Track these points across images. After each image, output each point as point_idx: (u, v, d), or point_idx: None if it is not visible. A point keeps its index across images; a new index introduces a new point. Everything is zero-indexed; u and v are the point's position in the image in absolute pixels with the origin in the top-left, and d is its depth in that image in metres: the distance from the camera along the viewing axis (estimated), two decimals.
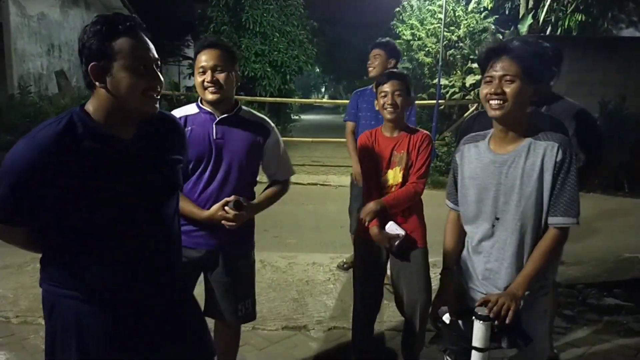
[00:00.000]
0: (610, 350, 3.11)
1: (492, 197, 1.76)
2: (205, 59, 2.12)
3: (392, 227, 2.53)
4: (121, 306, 1.49)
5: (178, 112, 2.19)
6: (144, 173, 1.48)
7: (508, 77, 1.67)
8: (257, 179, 2.32)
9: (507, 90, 1.67)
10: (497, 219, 1.76)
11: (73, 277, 1.46)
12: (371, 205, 2.52)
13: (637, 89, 9.23)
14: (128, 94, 1.40)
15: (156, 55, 1.45)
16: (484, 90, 1.73)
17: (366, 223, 2.53)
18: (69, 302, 1.46)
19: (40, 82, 11.89)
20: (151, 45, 1.44)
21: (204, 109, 2.20)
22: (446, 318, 1.77)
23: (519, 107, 1.70)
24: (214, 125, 2.16)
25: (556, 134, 1.74)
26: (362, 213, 2.55)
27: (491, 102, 1.70)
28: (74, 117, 1.39)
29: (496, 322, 1.59)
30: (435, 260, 4.23)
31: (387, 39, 4.05)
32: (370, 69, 3.81)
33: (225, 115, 2.19)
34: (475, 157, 1.84)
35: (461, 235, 1.96)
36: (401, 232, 2.51)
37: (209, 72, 2.12)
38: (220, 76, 2.12)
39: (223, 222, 2.08)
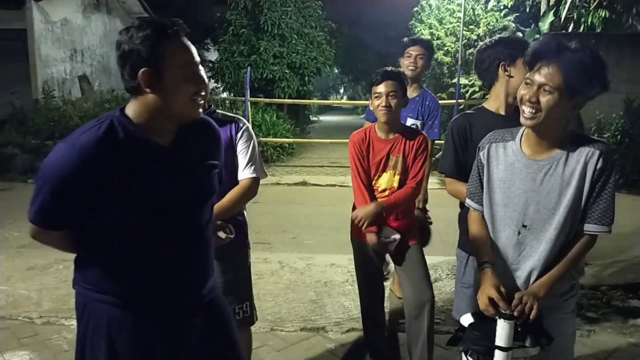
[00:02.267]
0: (636, 354, 3.03)
1: (522, 204, 1.70)
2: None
3: (387, 233, 2.51)
4: (153, 310, 1.50)
5: None
6: (182, 179, 1.48)
7: (547, 87, 1.56)
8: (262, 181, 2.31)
9: (543, 100, 1.56)
10: (525, 226, 1.70)
11: (107, 281, 1.47)
12: (371, 208, 2.44)
13: None
14: (177, 98, 1.39)
15: (199, 59, 1.45)
16: (522, 91, 1.64)
17: (363, 227, 2.46)
18: (101, 305, 1.47)
19: (64, 86, 12.13)
20: (194, 49, 1.43)
21: None
22: (465, 320, 1.74)
23: (554, 120, 1.60)
24: None
25: (597, 141, 1.66)
26: (358, 214, 2.47)
27: (524, 107, 1.61)
28: (114, 122, 1.38)
29: (519, 321, 1.58)
30: (442, 260, 4.23)
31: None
32: (411, 67, 3.48)
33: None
34: (504, 159, 1.75)
35: (488, 232, 1.87)
36: (396, 235, 2.50)
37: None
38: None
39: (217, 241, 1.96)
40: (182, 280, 1.53)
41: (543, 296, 1.64)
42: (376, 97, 2.47)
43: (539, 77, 1.58)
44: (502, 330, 1.57)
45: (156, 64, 1.34)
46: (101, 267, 1.47)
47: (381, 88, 2.46)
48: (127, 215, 1.39)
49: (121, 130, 1.37)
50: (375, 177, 2.55)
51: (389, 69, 2.56)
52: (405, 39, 3.68)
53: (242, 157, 2.22)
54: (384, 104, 2.44)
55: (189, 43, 1.42)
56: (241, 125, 2.25)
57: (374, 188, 2.56)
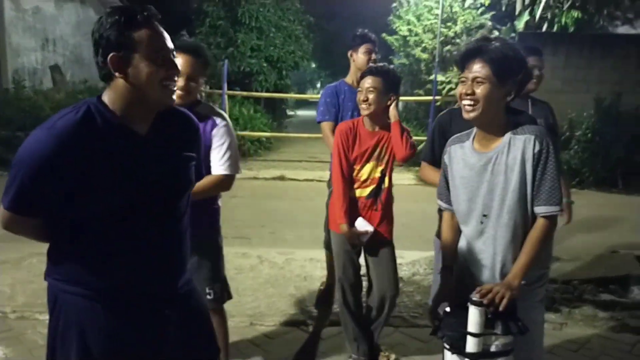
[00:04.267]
0: (606, 346, 3.13)
1: (482, 196, 1.83)
2: (181, 63, 2.07)
3: (361, 224, 2.58)
4: (127, 303, 1.48)
5: None
6: (157, 168, 1.47)
7: (479, 79, 1.74)
8: (239, 174, 2.35)
9: (478, 91, 1.74)
10: (485, 215, 1.83)
11: (80, 272, 1.45)
12: (345, 231, 2.58)
13: (632, 86, 9.29)
14: (147, 83, 1.39)
15: (172, 46, 1.45)
16: (459, 89, 1.83)
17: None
18: (72, 298, 1.45)
19: (35, 76, 11.83)
20: (167, 36, 1.44)
21: None
22: (444, 308, 1.82)
23: (492, 109, 1.77)
24: None
25: (532, 126, 1.81)
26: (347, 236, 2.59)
27: (464, 102, 1.78)
28: (91, 108, 1.38)
29: (490, 309, 1.63)
30: (420, 255, 4.30)
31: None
32: (371, 64, 3.18)
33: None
34: (462, 158, 1.90)
35: (457, 232, 2.01)
36: (370, 228, 2.57)
37: (182, 78, 2.10)
38: (192, 84, 2.19)
39: None
40: (157, 272, 1.52)
41: (517, 286, 1.71)
42: (359, 90, 2.57)
43: (470, 73, 1.77)
44: (473, 317, 1.62)
45: (125, 49, 1.36)
46: (74, 258, 1.45)
47: (364, 82, 2.54)
48: (100, 202, 1.37)
49: (98, 116, 1.37)
50: (358, 167, 2.60)
51: (380, 64, 2.65)
52: (360, 31, 3.41)
53: (216, 153, 2.25)
54: (362, 97, 2.53)
55: (160, 29, 1.42)
56: (217, 122, 2.26)
57: (356, 178, 2.61)
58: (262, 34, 14.14)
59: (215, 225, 2.44)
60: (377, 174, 2.60)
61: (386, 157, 2.61)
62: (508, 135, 1.79)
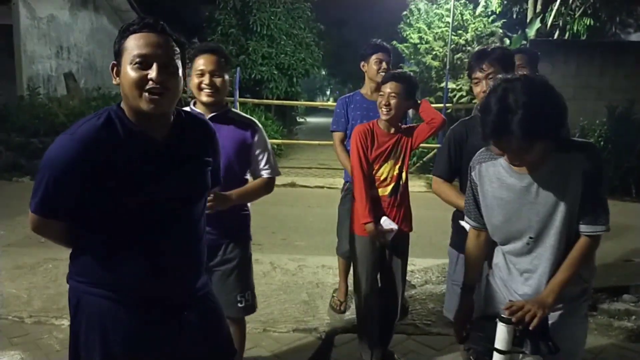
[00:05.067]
0: (621, 355, 3.11)
1: (525, 217, 1.71)
2: (204, 62, 2.24)
3: (386, 222, 2.63)
4: (147, 304, 1.52)
5: None
6: (174, 173, 1.51)
7: None
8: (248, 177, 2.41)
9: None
10: (532, 238, 1.72)
11: (101, 274, 1.49)
12: (371, 229, 2.61)
13: None
14: (127, 90, 1.42)
15: (162, 54, 1.41)
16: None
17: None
18: (95, 299, 1.49)
19: (49, 83, 11.97)
20: (160, 44, 1.42)
21: (195, 110, 2.30)
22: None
23: None
24: None
25: (585, 143, 1.69)
26: (370, 233, 2.62)
27: None
28: (111, 114, 1.45)
29: (519, 327, 1.58)
30: (432, 263, 4.28)
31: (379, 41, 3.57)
32: (381, 72, 3.31)
33: (214, 114, 2.29)
34: (496, 177, 1.76)
35: (484, 251, 1.94)
36: (394, 226, 2.62)
37: (207, 75, 2.24)
38: (218, 80, 2.26)
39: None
40: (176, 274, 1.56)
41: (551, 303, 1.64)
42: (381, 94, 2.62)
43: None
44: (501, 334, 1.58)
45: (118, 57, 1.44)
46: (96, 261, 1.49)
47: (386, 87, 2.60)
48: (121, 207, 1.42)
49: (118, 122, 1.44)
50: (377, 167, 2.66)
51: (400, 70, 2.75)
52: (371, 41, 3.52)
53: (261, 158, 2.37)
54: (384, 102, 2.59)
55: (152, 37, 1.41)
56: (256, 128, 2.37)
57: (376, 178, 2.67)
58: (273, 42, 14.22)
59: (246, 231, 2.47)
60: (396, 172, 2.66)
61: (402, 155, 2.67)
62: (555, 153, 1.63)
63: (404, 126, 2.75)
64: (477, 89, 2.35)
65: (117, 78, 1.45)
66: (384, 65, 3.37)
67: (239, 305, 2.37)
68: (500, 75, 1.63)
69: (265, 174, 2.39)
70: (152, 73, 1.39)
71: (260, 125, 2.41)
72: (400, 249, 2.76)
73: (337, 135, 3.48)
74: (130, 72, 1.39)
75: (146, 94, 1.40)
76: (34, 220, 1.48)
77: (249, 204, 2.47)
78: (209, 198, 2.05)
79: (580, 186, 1.63)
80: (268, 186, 2.40)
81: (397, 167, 2.66)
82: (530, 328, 1.57)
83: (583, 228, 1.68)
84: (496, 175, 1.76)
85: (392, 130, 2.67)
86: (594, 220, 1.66)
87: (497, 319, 1.58)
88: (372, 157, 2.65)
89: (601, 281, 4.16)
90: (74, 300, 1.53)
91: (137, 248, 1.49)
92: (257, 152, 2.36)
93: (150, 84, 1.39)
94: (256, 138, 2.35)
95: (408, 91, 2.61)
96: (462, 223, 2.37)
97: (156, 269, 1.51)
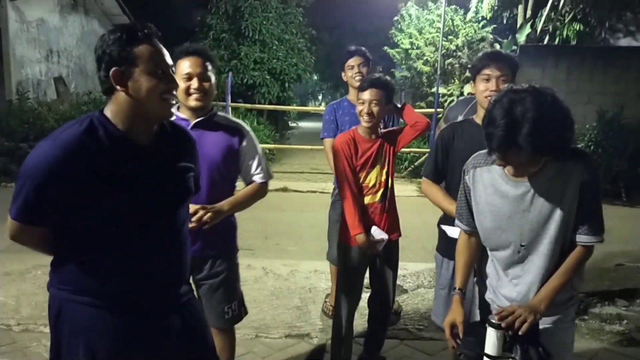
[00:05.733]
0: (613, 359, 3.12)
1: (517, 226, 1.70)
2: (190, 65, 2.16)
3: (376, 232, 2.59)
4: (132, 310, 1.51)
5: None
6: (159, 179, 1.52)
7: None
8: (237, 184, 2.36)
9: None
10: (523, 245, 1.71)
11: (85, 281, 1.48)
12: (362, 239, 2.55)
13: (634, 98, 9.32)
14: (147, 96, 1.45)
15: (171, 62, 1.53)
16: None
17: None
18: (79, 307, 1.47)
19: (39, 88, 11.87)
20: (166, 52, 1.52)
21: (180, 116, 2.21)
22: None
23: None
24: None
25: (580, 153, 1.67)
26: (360, 242, 2.57)
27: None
28: (94, 120, 1.44)
29: (509, 332, 1.58)
30: (424, 267, 4.28)
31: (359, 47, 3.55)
32: (357, 77, 3.31)
33: (200, 119, 2.21)
34: (490, 183, 1.74)
35: (474, 254, 1.94)
36: (385, 236, 2.58)
37: (195, 79, 2.16)
38: (207, 84, 2.18)
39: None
40: (160, 279, 1.57)
41: (544, 310, 1.64)
42: (360, 102, 2.57)
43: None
44: (490, 339, 1.58)
45: (126, 64, 1.43)
46: (79, 267, 1.48)
47: (366, 95, 2.54)
48: (104, 212, 1.42)
49: (101, 128, 1.43)
50: (364, 175, 2.61)
51: (377, 75, 2.64)
52: (350, 47, 3.53)
53: (252, 163, 2.29)
54: (366, 110, 2.54)
55: (159, 45, 1.49)
56: (245, 132, 2.29)
57: (364, 186, 2.62)
58: (265, 47, 14.22)
59: (233, 242, 2.40)
60: (384, 177, 2.62)
61: (387, 159, 2.63)
62: (550, 162, 1.61)
63: (383, 130, 2.72)
64: (482, 86, 2.25)
65: (122, 84, 1.43)
66: (356, 69, 3.36)
67: (226, 317, 2.31)
68: (506, 85, 1.62)
69: (257, 179, 2.31)
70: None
71: (249, 129, 2.33)
72: (391, 257, 2.73)
73: (328, 142, 3.44)
74: (156, 80, 1.46)
75: (169, 100, 1.50)
76: (14, 227, 1.47)
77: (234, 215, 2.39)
78: (201, 213, 2.04)
79: (577, 196, 1.63)
80: (261, 191, 2.33)
81: (384, 171, 2.62)
82: (520, 333, 1.57)
83: (579, 238, 1.68)
84: (491, 182, 1.75)
85: (373, 136, 2.63)
86: (590, 230, 1.67)
87: (487, 324, 1.58)
88: (357, 165, 2.60)
89: (593, 285, 4.17)
90: (55, 308, 1.51)
91: (121, 253, 1.48)
92: (247, 157, 2.28)
93: (173, 90, 1.52)
94: (245, 143, 2.27)
95: (388, 96, 2.58)
96: (444, 227, 2.39)
97: (140, 274, 1.51)
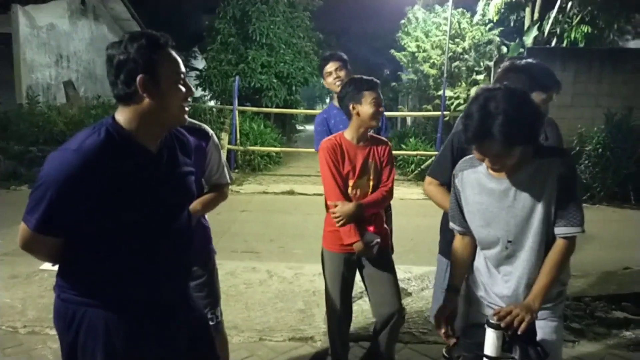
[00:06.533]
0: None
1: (503, 221, 1.77)
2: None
3: (369, 237, 2.52)
4: (143, 310, 1.54)
5: None
6: (167, 183, 1.56)
7: None
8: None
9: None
10: (510, 241, 1.78)
11: (97, 286, 1.50)
12: (351, 207, 2.43)
13: None
14: (172, 103, 1.49)
15: (184, 69, 1.56)
16: None
17: (339, 224, 2.46)
18: (94, 311, 1.49)
19: (49, 92, 12.02)
20: (180, 60, 1.55)
21: None
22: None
23: None
24: None
25: (555, 148, 1.79)
26: (338, 211, 2.44)
27: None
28: (109, 129, 1.44)
29: (508, 332, 1.59)
30: (429, 270, 4.26)
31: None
32: (337, 83, 3.24)
33: None
34: (477, 183, 1.84)
35: (469, 254, 1.97)
36: (377, 238, 2.52)
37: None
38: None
39: None
40: (170, 278, 1.61)
41: (538, 308, 1.68)
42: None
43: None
44: (489, 340, 1.59)
45: (152, 71, 1.43)
46: (92, 273, 1.50)
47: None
48: (118, 218, 1.44)
49: (117, 136, 1.44)
50: (352, 183, 2.52)
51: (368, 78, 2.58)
52: (325, 54, 3.54)
53: (216, 165, 2.29)
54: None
55: (176, 55, 1.52)
56: (210, 134, 2.29)
57: (351, 195, 2.53)
58: (273, 51, 14.29)
59: (208, 245, 2.37)
60: (369, 189, 2.53)
61: (373, 171, 2.53)
62: (531, 159, 1.73)
63: (371, 134, 2.61)
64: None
65: (148, 91, 1.43)
66: (334, 74, 3.30)
67: (211, 322, 2.26)
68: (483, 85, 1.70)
69: (223, 180, 2.32)
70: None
71: (210, 130, 2.31)
72: (385, 258, 2.63)
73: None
74: (179, 87, 1.50)
75: (185, 107, 1.55)
76: (31, 238, 1.43)
77: (206, 216, 2.38)
78: None
79: (556, 189, 1.72)
80: (225, 193, 2.34)
81: (371, 184, 2.52)
82: (519, 332, 1.59)
83: (558, 230, 1.75)
84: (477, 181, 1.85)
85: (361, 143, 2.54)
86: (568, 222, 1.73)
87: (486, 324, 1.60)
88: (344, 172, 2.50)
89: (599, 289, 4.14)
90: (68, 314, 1.51)
91: (133, 257, 1.51)
92: (212, 158, 2.27)
93: (190, 99, 1.58)
94: (210, 144, 2.25)
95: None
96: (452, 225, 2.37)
97: (151, 275, 1.54)
